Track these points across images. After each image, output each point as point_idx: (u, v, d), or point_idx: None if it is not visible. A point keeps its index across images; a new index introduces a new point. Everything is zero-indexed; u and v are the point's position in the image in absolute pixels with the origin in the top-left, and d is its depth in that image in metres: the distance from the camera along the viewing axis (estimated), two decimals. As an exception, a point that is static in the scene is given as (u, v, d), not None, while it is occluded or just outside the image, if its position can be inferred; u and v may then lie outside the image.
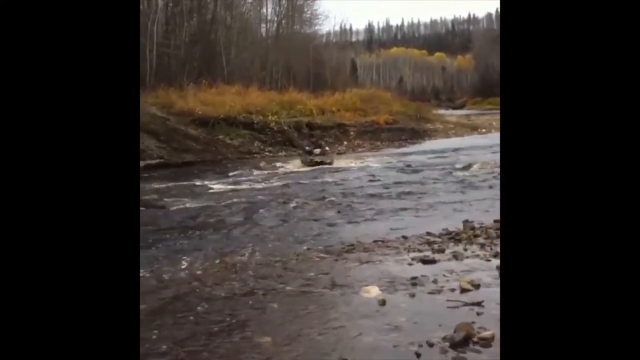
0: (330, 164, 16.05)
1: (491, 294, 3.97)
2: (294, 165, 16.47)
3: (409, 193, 10.08)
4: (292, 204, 9.36)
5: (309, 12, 36.49)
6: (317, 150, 17.02)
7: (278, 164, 16.23)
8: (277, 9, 34.31)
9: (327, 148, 17.87)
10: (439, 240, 6.32)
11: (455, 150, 18.02)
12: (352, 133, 22.03)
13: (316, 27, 38.53)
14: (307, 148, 17.39)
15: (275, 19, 34.54)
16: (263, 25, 34.68)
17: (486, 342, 3.07)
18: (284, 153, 18.95)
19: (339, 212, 8.54)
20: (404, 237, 6.69)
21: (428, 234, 6.78)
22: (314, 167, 15.58)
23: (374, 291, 4.15)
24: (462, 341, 3.06)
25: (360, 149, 20.31)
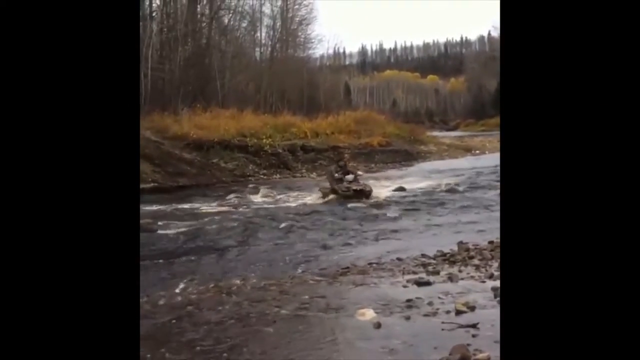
0: (370, 193, 12.90)
1: (486, 316, 3.97)
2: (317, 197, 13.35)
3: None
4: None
5: (303, 36, 36.85)
6: (350, 177, 13.44)
7: (292, 194, 14.24)
8: (271, 33, 34.65)
9: (359, 172, 14.62)
10: (434, 262, 6.32)
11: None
12: (346, 155, 22.08)
13: (310, 51, 38.88)
14: (336, 175, 13.62)
15: (270, 43, 34.85)
16: (257, 49, 34.99)
17: (481, 364, 3.06)
18: (278, 176, 18.96)
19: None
20: (399, 259, 6.70)
21: (423, 255, 6.78)
22: (349, 199, 12.41)
23: (369, 314, 4.13)
24: (458, 363, 3.05)
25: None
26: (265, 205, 12.62)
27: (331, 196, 13.14)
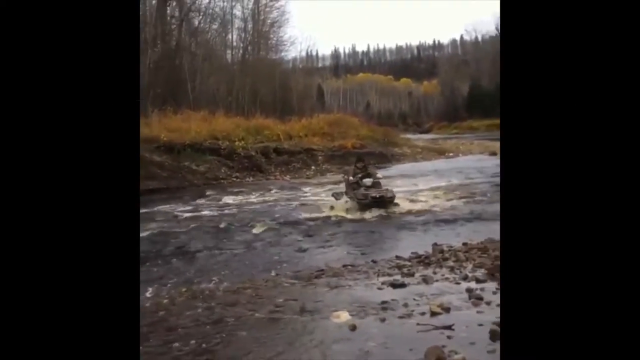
0: (392, 200, 10.63)
1: (461, 317, 3.96)
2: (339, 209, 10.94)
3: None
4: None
5: (275, 38, 36.80)
6: (368, 181, 11.13)
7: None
8: (243, 35, 34.51)
9: (378, 175, 11.86)
10: (409, 264, 6.32)
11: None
12: (320, 158, 22.08)
13: (282, 53, 38.89)
14: (350, 178, 11.49)
15: (241, 45, 34.71)
16: (228, 51, 34.78)
17: (457, 366, 3.04)
18: (251, 179, 18.85)
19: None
20: (374, 262, 6.68)
21: (397, 257, 6.77)
22: (371, 212, 10.33)
23: (344, 316, 4.09)
24: (433, 365, 3.02)
25: (329, 174, 20.33)
26: (238, 209, 12.49)
27: (343, 203, 11.05)
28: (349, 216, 10.39)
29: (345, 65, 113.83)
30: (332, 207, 11.14)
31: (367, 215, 10.28)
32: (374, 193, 10.65)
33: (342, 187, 12.54)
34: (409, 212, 10.46)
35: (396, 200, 10.77)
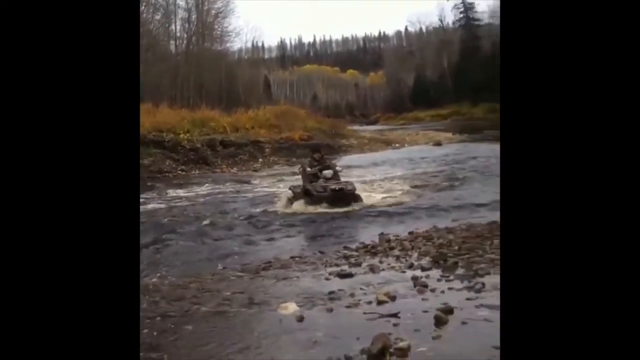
0: (353, 192, 9.98)
1: (406, 305, 4.03)
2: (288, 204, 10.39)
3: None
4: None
5: (220, 29, 36.34)
6: (328, 173, 10.52)
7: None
8: (187, 26, 33.92)
9: (338, 167, 11.30)
10: (356, 253, 6.37)
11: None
12: (267, 150, 22.00)
13: (227, 44, 38.44)
14: (308, 169, 10.73)
15: (185, 36, 34.12)
16: (172, 42, 34.14)
17: (402, 353, 3.08)
18: (197, 172, 18.60)
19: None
20: (321, 252, 6.71)
21: (345, 247, 6.82)
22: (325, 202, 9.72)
23: (291, 307, 4.09)
24: (379, 353, 3.05)
25: (276, 166, 20.28)
26: (185, 202, 12.32)
27: (299, 201, 10.17)
28: (310, 209, 9.82)
29: (292, 57, 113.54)
30: (289, 201, 10.53)
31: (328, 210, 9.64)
32: (333, 185, 9.98)
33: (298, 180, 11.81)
34: (373, 207, 9.93)
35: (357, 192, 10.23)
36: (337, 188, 9.85)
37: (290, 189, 11.03)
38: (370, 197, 10.81)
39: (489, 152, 17.85)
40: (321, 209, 9.70)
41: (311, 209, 9.83)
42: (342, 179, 10.98)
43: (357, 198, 9.97)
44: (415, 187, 12.34)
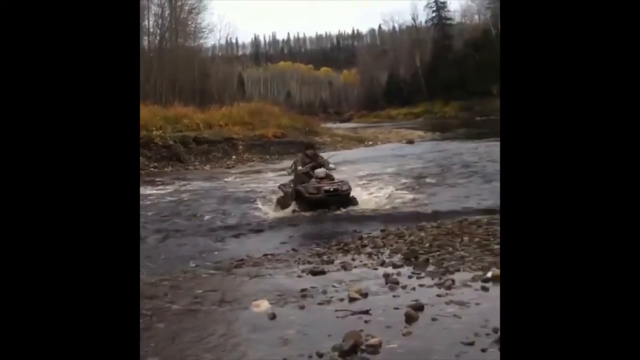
0: (348, 193, 9.28)
1: (378, 302, 4.06)
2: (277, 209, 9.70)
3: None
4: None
5: (193, 25, 36.04)
6: (321, 171, 9.42)
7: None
8: (160, 21, 33.54)
9: (332, 165, 10.09)
10: (328, 251, 6.40)
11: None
12: (240, 147, 21.92)
13: (201, 41, 38.15)
14: (299, 168, 9.64)
15: (158, 32, 33.73)
16: (145, 38, 33.72)
17: (374, 349, 3.11)
18: (170, 169, 18.45)
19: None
20: (294, 250, 6.72)
21: (317, 245, 6.85)
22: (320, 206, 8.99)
23: (263, 305, 4.10)
24: (351, 349, 3.08)
25: (249, 163, 20.21)
26: (158, 200, 12.21)
27: (290, 206, 9.31)
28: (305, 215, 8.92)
29: (266, 54, 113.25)
30: (279, 202, 9.81)
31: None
32: (327, 186, 9.09)
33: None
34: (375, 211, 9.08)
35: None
36: (331, 189, 9.07)
37: (279, 187, 10.37)
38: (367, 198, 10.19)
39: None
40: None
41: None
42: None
43: (352, 201, 9.30)
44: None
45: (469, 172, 13.99)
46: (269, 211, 9.72)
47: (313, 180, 9.29)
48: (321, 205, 8.99)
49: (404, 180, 13.19)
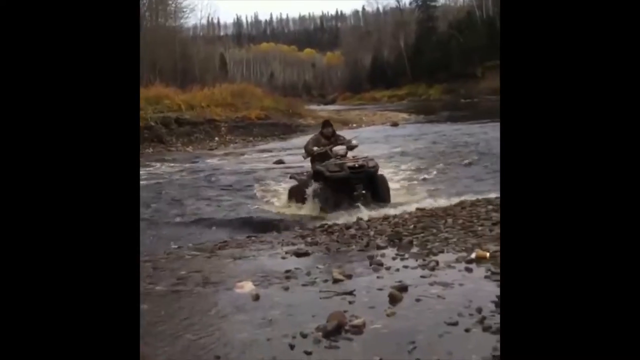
0: (376, 171, 7.96)
1: (362, 283, 4.08)
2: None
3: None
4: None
5: (174, 4, 35.59)
6: (340, 149, 8.09)
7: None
8: (140, 1, 33.03)
9: (354, 141, 8.49)
10: (312, 233, 6.40)
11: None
12: (223, 129, 21.79)
13: (181, 20, 37.73)
14: (315, 149, 8.27)
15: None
16: (126, 17, 33.22)
17: (357, 330, 3.12)
18: (151, 150, 18.29)
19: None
20: (277, 232, 6.71)
21: (301, 227, 6.84)
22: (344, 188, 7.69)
23: (247, 286, 4.09)
24: (335, 330, 3.09)
25: (232, 145, 20.11)
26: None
27: (311, 203, 7.93)
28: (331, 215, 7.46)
29: (248, 35, 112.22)
30: (292, 195, 8.56)
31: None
32: (350, 163, 7.76)
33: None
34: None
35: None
36: (356, 165, 7.69)
37: (291, 176, 9.12)
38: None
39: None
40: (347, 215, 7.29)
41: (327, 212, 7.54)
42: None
43: (381, 181, 7.99)
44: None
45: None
46: (279, 205, 8.66)
47: (332, 159, 7.93)
48: (346, 185, 7.67)
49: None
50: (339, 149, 8.05)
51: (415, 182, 10.08)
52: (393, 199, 8.05)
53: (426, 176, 10.69)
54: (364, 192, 7.63)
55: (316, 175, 7.98)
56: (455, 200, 7.54)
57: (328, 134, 8.52)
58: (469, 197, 7.53)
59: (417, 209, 7.16)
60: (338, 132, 9.11)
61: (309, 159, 8.34)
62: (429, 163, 12.37)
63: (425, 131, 20.38)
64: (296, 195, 8.43)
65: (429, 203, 7.56)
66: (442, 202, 7.68)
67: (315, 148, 8.26)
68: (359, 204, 7.49)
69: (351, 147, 8.26)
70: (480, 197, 7.54)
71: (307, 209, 7.88)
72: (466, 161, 12.04)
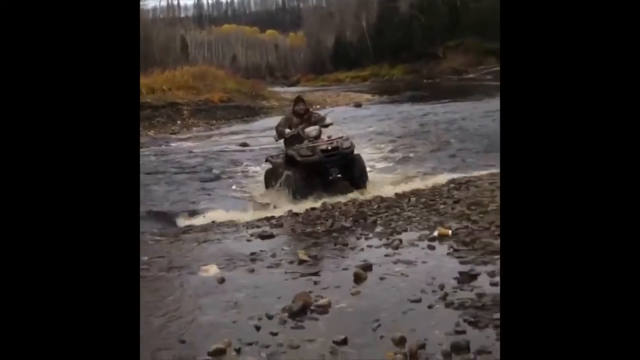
0: (351, 151, 7.28)
1: (327, 263, 4.12)
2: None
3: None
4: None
5: (133, -14, 34.72)
6: (313, 129, 7.34)
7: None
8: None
9: (328, 119, 7.75)
10: (277, 215, 6.39)
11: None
12: (185, 112, 21.49)
13: (141, 3, 36.84)
14: (287, 131, 7.46)
15: (96, -8, 32.40)
16: (83, -1, 32.37)
17: (323, 309, 3.16)
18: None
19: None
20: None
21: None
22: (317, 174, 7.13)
23: (212, 270, 4.08)
24: (300, 310, 3.12)
25: (195, 128, 19.87)
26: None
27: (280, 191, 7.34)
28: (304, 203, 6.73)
29: (209, 16, 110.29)
30: (270, 178, 7.94)
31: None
32: (323, 145, 7.09)
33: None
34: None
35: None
36: (329, 147, 7.05)
37: (267, 159, 8.36)
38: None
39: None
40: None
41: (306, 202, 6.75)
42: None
43: (357, 161, 7.39)
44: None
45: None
46: (254, 192, 8.17)
47: (305, 142, 7.26)
48: (319, 170, 7.11)
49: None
50: (311, 129, 7.34)
51: (384, 163, 10.08)
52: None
53: (390, 156, 10.72)
54: (339, 175, 7.18)
55: (288, 160, 7.37)
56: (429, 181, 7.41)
57: (300, 112, 7.75)
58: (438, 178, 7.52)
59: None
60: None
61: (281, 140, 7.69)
62: (394, 144, 12.34)
63: (388, 112, 20.43)
64: (272, 179, 7.92)
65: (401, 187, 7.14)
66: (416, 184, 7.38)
67: (287, 130, 7.53)
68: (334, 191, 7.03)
69: (325, 126, 7.57)
70: (444, 176, 7.60)
71: (279, 200, 7.26)
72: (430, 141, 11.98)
